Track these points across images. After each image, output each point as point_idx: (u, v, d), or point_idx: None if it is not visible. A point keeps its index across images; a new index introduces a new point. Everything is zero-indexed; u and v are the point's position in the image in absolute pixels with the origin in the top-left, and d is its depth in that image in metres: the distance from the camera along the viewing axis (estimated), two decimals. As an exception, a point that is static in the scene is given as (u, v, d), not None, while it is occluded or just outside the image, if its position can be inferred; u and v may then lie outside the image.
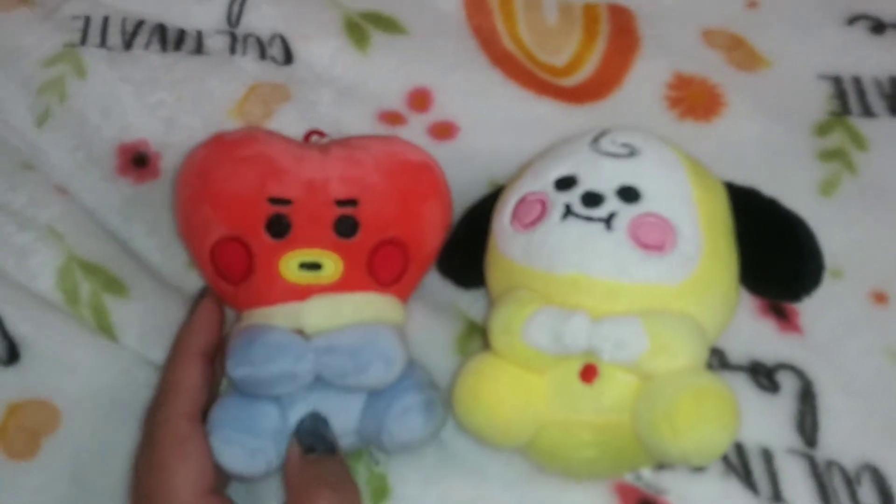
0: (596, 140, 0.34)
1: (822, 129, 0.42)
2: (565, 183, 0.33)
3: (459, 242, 0.37)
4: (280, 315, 0.32)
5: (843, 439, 0.35)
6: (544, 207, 0.32)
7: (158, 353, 0.36)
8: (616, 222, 0.31)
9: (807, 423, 0.35)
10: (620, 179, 0.32)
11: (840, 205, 0.40)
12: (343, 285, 0.33)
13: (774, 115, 0.42)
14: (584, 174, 0.33)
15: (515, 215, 0.33)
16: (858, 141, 0.41)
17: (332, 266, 0.33)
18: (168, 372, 0.33)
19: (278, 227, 0.33)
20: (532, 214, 0.33)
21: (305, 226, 0.33)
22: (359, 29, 0.45)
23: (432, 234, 0.35)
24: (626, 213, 0.32)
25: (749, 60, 0.44)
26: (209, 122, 0.42)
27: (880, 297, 0.38)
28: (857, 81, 0.43)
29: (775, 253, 0.34)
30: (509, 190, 0.35)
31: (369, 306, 0.33)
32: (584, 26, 0.45)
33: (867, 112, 0.42)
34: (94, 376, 0.36)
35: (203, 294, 0.35)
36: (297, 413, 0.32)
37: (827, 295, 0.36)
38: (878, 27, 0.45)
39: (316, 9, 0.46)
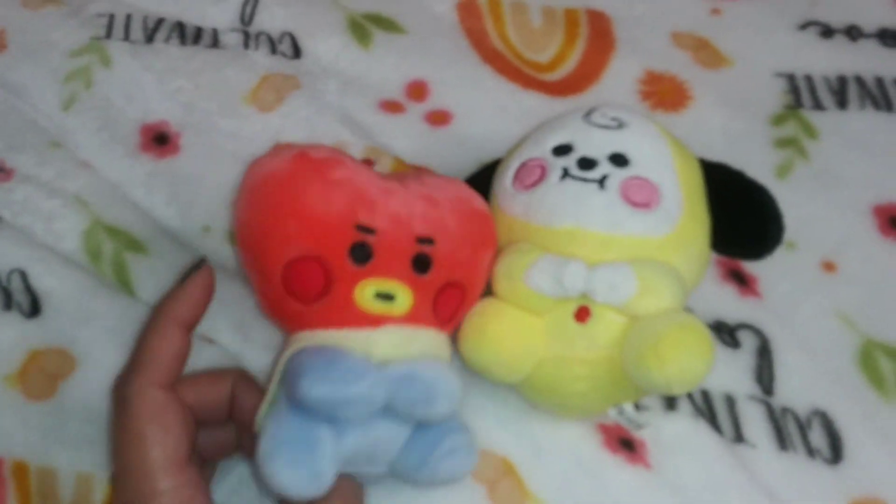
0: (588, 114, 0.37)
1: (778, 120, 0.45)
2: (562, 150, 0.35)
3: None
4: (351, 339, 0.32)
5: (796, 389, 0.38)
6: (543, 171, 0.35)
7: None
8: (608, 183, 0.34)
9: (764, 375, 0.38)
10: (611, 147, 0.35)
11: (794, 186, 0.42)
12: (411, 318, 0.33)
13: (736, 107, 0.45)
14: (579, 142, 0.36)
15: (517, 177, 0.36)
16: (810, 131, 0.44)
17: (404, 299, 0.32)
18: (146, 338, 0.32)
19: (361, 254, 0.32)
20: (533, 177, 0.35)
21: (387, 256, 0.32)
22: (361, 28, 0.48)
23: (484, 280, 0.35)
24: (617, 175, 0.34)
25: (713, 60, 0.47)
26: (225, 107, 0.45)
27: (829, 266, 0.41)
28: (808, 79, 0.46)
29: (742, 217, 0.36)
30: (509, 158, 0.37)
31: (433, 342, 0.33)
32: (565, 29, 0.48)
33: (818, 106, 0.45)
34: (110, 327, 0.38)
35: (197, 266, 0.34)
36: (350, 438, 0.31)
37: (782, 264, 0.40)
38: (827, 32, 0.48)
39: (322, 10, 0.49)
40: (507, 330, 0.33)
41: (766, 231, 0.36)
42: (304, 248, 0.32)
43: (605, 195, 0.34)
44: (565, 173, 0.35)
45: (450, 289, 0.34)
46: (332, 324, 0.32)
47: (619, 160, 0.35)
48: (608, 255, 0.33)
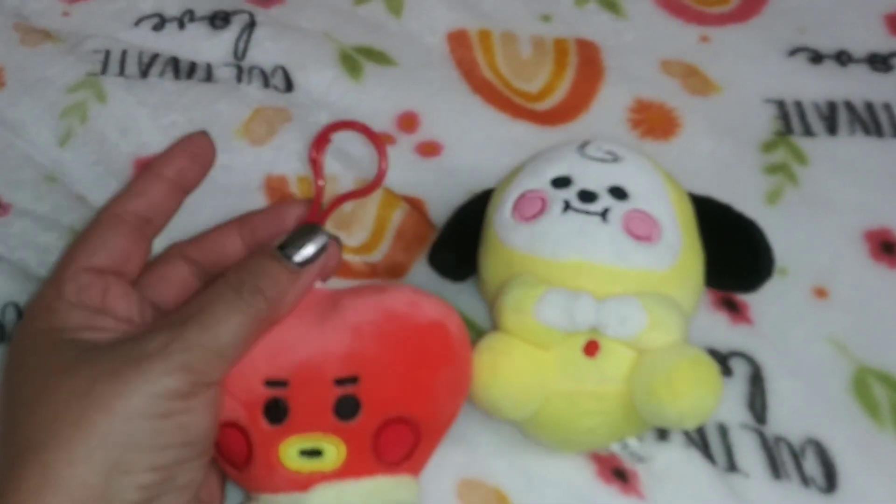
0: (582, 147, 0.37)
1: (768, 147, 0.45)
2: (561, 182, 0.35)
3: (450, 239, 0.39)
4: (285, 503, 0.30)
5: (789, 417, 0.37)
6: (544, 203, 0.35)
7: None
8: (611, 216, 0.34)
9: (757, 403, 0.38)
10: (610, 180, 0.35)
11: (784, 212, 0.42)
12: (347, 471, 0.30)
13: (725, 134, 0.45)
14: (578, 175, 0.35)
15: (517, 209, 0.36)
16: (800, 157, 0.44)
17: (335, 451, 0.30)
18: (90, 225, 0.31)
19: (276, 412, 0.30)
20: (534, 208, 0.35)
21: (303, 409, 0.30)
22: (352, 61, 0.49)
23: (447, 404, 0.32)
24: (619, 208, 0.34)
25: (702, 87, 0.47)
26: (218, 140, 0.44)
27: (821, 292, 0.40)
28: (798, 105, 0.46)
29: (732, 251, 0.37)
30: (506, 188, 0.37)
31: (377, 492, 0.31)
32: (554, 58, 0.49)
33: (808, 132, 0.45)
34: None
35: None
36: None
37: (773, 290, 0.39)
38: (817, 58, 0.48)
39: (314, 44, 0.49)
40: (519, 365, 0.33)
41: (756, 264, 0.37)
42: (225, 414, 0.30)
43: (609, 228, 0.34)
44: (567, 206, 0.35)
45: (393, 426, 0.31)
46: (265, 488, 0.31)
47: (618, 193, 0.35)
48: (614, 288, 0.33)
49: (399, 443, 0.31)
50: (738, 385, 0.38)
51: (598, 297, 0.32)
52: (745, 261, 0.37)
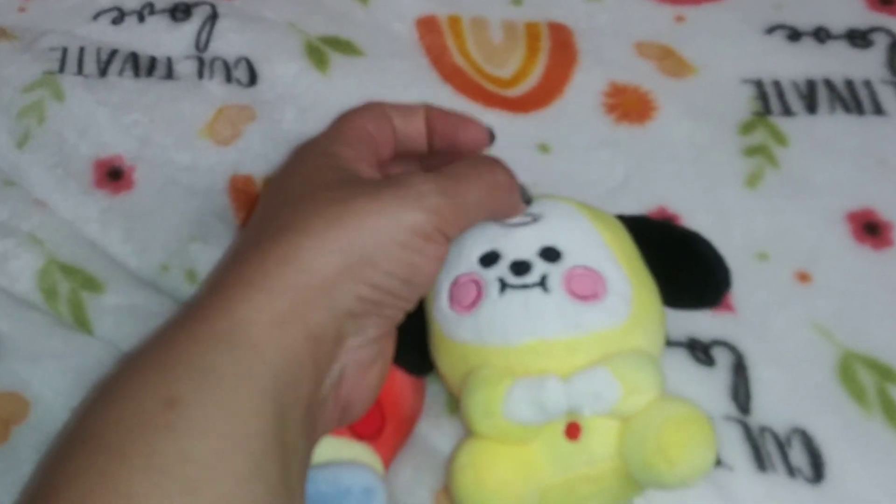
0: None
1: (746, 128, 0.44)
2: (489, 259, 0.33)
3: (408, 340, 0.35)
4: None
5: (773, 406, 0.36)
6: (479, 286, 0.33)
7: (132, 343, 0.37)
8: (550, 283, 0.32)
9: (740, 393, 0.37)
10: (538, 243, 0.33)
11: (764, 195, 0.42)
12: None
13: (702, 116, 0.44)
14: (503, 247, 0.34)
15: (453, 299, 0.34)
16: (779, 137, 0.43)
17: None
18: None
19: None
20: (470, 295, 0.33)
21: None
22: (319, 52, 0.47)
23: (407, 396, 0.35)
24: (555, 271, 0.32)
25: (678, 68, 0.46)
26: (181, 140, 0.44)
27: (804, 277, 0.40)
28: (776, 84, 0.45)
29: (684, 270, 0.35)
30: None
31: (348, 448, 0.33)
32: (526, 43, 0.48)
33: (787, 111, 0.44)
34: (66, 367, 0.37)
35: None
36: None
37: (755, 276, 0.39)
38: (794, 35, 0.47)
39: (278, 35, 0.48)
40: (506, 474, 0.31)
41: (713, 278, 0.35)
42: None
43: (553, 297, 0.32)
44: (503, 285, 0.33)
45: None
46: None
47: (550, 255, 0.33)
48: (576, 360, 0.32)
49: (369, 419, 0.33)
50: (720, 375, 0.37)
51: (563, 373, 0.31)
52: (699, 277, 0.35)
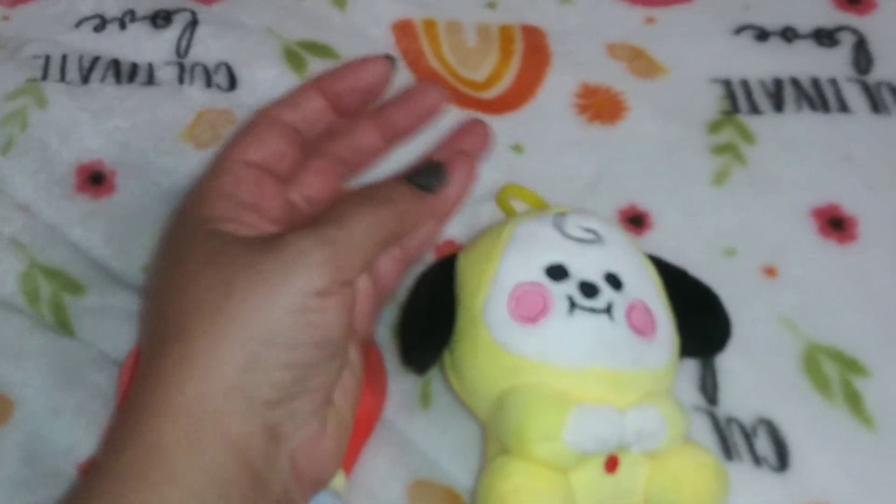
0: (558, 223, 0.34)
1: (715, 127, 0.44)
2: (557, 272, 0.32)
3: (424, 333, 0.34)
4: None
5: (740, 397, 0.37)
6: (545, 300, 0.32)
7: (112, 344, 0.38)
8: (615, 312, 0.32)
9: (708, 384, 0.38)
10: (603, 267, 0.33)
11: (731, 192, 0.42)
12: None
13: (672, 115, 0.45)
14: (572, 263, 0.33)
15: (514, 307, 0.32)
16: (747, 136, 0.44)
17: None
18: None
19: None
20: (535, 307, 0.32)
21: None
22: (296, 56, 0.48)
23: (366, 397, 0.34)
24: (620, 301, 0.32)
25: (648, 69, 0.47)
26: (161, 145, 0.45)
27: (770, 271, 0.40)
28: (744, 83, 0.46)
29: (694, 320, 0.35)
30: (485, 276, 0.33)
31: None
32: (500, 46, 0.48)
33: (754, 110, 0.45)
34: (49, 368, 0.38)
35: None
36: None
37: (722, 271, 0.39)
38: (762, 35, 0.47)
39: (257, 40, 0.49)
40: (549, 501, 0.30)
41: (720, 333, 0.36)
42: None
43: (618, 328, 0.32)
44: (572, 304, 0.32)
45: None
46: None
47: (614, 282, 0.32)
48: (629, 395, 0.31)
49: None
50: (689, 366, 0.38)
51: (618, 406, 0.31)
52: (707, 329, 0.36)
